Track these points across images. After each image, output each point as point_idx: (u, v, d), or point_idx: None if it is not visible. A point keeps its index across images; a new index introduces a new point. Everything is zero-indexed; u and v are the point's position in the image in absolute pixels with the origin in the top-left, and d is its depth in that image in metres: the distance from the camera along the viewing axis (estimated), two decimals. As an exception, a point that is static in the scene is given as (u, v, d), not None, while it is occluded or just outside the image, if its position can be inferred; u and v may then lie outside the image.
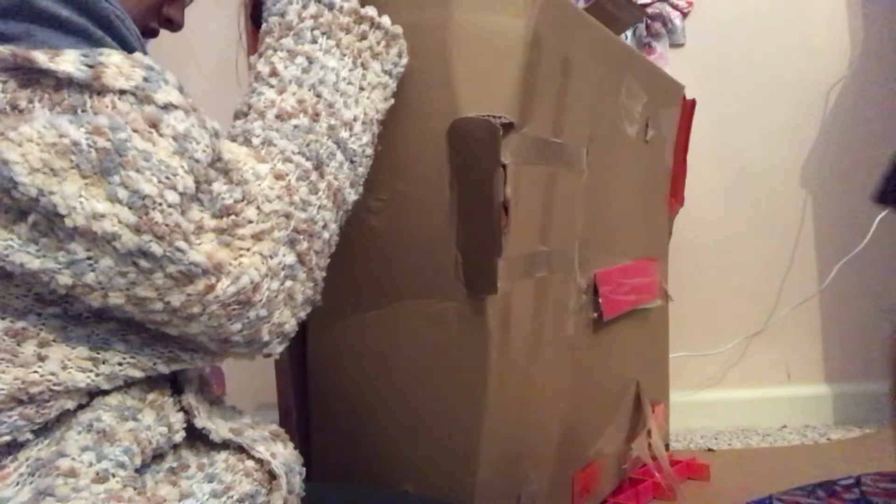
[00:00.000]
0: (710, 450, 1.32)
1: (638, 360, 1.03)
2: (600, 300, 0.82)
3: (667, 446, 1.18)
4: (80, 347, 0.42)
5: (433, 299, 0.65)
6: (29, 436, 0.41)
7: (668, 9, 1.40)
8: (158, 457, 0.46)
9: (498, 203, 0.61)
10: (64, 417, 0.42)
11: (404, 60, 0.60)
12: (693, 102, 1.21)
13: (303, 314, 0.49)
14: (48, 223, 0.38)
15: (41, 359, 0.41)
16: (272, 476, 0.48)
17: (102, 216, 0.37)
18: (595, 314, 0.82)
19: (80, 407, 0.43)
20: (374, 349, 0.70)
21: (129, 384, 0.45)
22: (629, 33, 1.41)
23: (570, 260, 0.76)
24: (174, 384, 0.49)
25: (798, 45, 1.39)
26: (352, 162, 0.53)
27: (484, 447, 0.65)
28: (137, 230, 0.38)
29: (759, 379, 1.45)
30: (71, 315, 0.42)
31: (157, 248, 0.38)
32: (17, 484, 0.40)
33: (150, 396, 0.46)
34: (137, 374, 0.44)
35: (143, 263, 0.39)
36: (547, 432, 0.78)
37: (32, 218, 0.38)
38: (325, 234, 0.49)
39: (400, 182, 0.65)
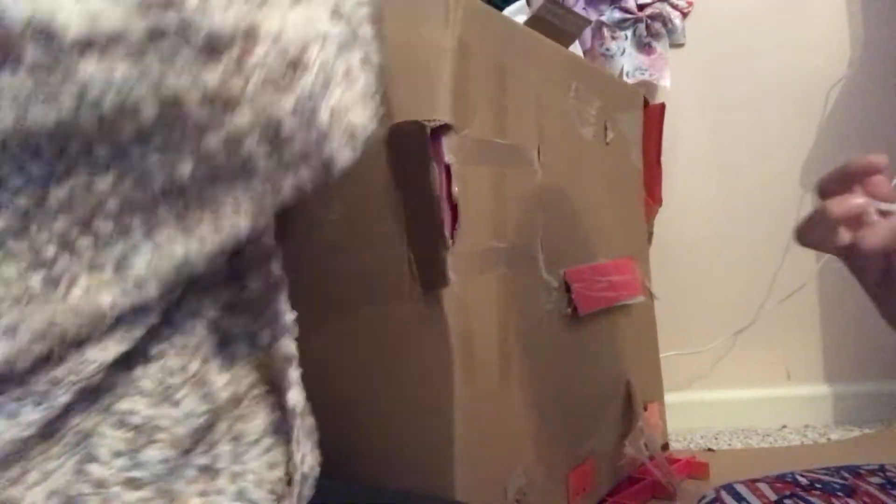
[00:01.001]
0: (709, 450, 1.32)
1: (626, 358, 1.05)
2: (573, 296, 0.84)
3: (665, 445, 1.18)
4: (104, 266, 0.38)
5: (392, 302, 0.68)
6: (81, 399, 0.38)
7: (668, 9, 1.40)
8: (193, 446, 0.42)
9: (436, 197, 0.63)
10: (95, 399, 0.39)
11: None
12: (662, 106, 1.24)
13: (369, 114, 0.40)
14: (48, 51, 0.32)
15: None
16: (289, 483, 0.45)
17: (101, 12, 0.32)
18: (569, 310, 0.84)
19: (109, 388, 0.39)
20: (341, 358, 0.72)
21: (163, 351, 0.40)
22: (629, 33, 1.41)
23: (532, 257, 0.79)
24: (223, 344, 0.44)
25: (798, 45, 1.39)
26: None
27: (458, 439, 0.66)
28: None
29: (758, 379, 1.45)
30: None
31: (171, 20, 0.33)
32: (62, 456, 0.37)
33: (193, 366, 0.41)
34: (171, 266, 0.38)
35: (163, 44, 0.33)
36: (531, 427, 0.78)
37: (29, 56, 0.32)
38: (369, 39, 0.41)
39: (349, 193, 0.69)
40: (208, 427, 0.42)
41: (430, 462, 0.68)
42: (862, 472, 0.53)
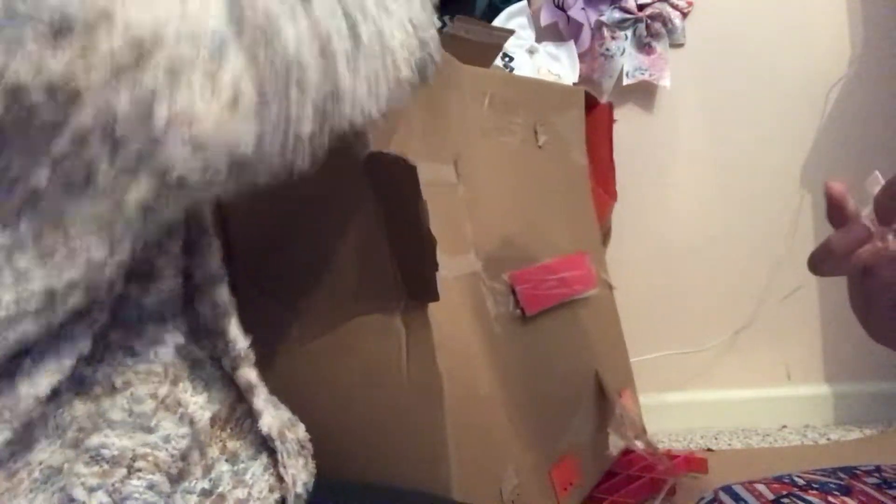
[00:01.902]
0: (708, 449, 1.32)
1: (592, 350, 1.07)
2: (519, 298, 0.86)
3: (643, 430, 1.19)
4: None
5: (383, 315, 0.70)
6: (39, 435, 0.36)
7: (668, 9, 1.40)
8: (186, 469, 0.40)
9: (426, 227, 0.65)
10: (60, 436, 0.37)
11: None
12: (609, 105, 1.28)
13: (235, 128, 0.35)
14: None
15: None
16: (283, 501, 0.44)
17: None
18: (518, 311, 0.86)
19: (73, 425, 0.37)
20: (336, 368, 0.73)
21: (128, 381, 0.39)
22: (629, 33, 1.42)
23: (468, 264, 0.81)
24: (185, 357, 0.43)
25: (798, 45, 1.40)
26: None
27: (452, 445, 0.68)
28: None
29: (758, 379, 1.45)
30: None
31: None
32: (31, 491, 0.35)
33: (162, 391, 0.40)
34: (36, 302, 0.34)
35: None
36: (511, 427, 0.79)
37: None
38: (289, 48, 0.36)
39: (334, 209, 0.71)
40: (197, 449, 0.42)
41: (426, 468, 0.69)
42: (858, 472, 0.54)
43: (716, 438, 1.38)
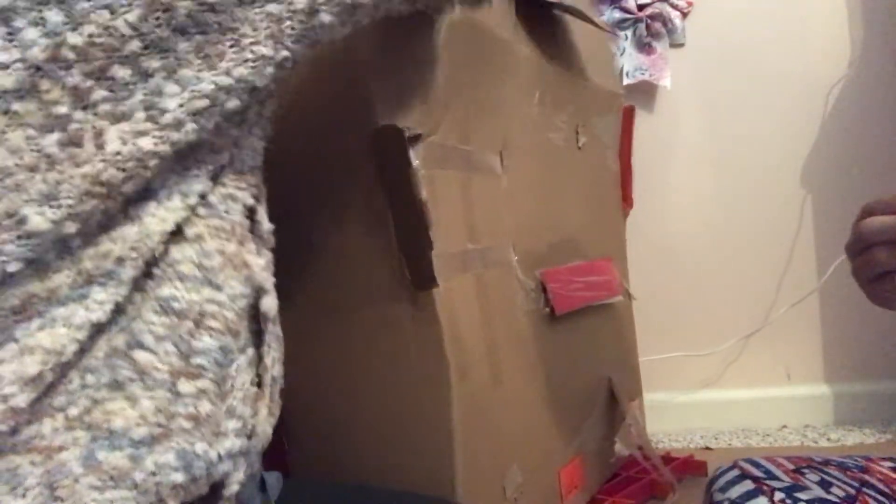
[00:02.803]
0: (707, 448, 1.32)
1: (607, 357, 1.07)
2: (549, 296, 0.86)
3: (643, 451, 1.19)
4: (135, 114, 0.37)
5: (387, 305, 0.69)
6: (101, 315, 0.37)
7: (668, 9, 1.40)
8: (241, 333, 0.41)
9: (419, 199, 0.65)
10: (138, 296, 0.38)
11: None
12: (631, 108, 1.26)
13: None
14: None
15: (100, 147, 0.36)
16: (259, 385, 0.45)
17: None
18: (547, 310, 0.86)
19: (149, 274, 0.38)
20: (339, 362, 0.73)
21: (200, 234, 0.40)
22: (629, 33, 1.42)
23: (505, 257, 0.80)
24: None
25: (798, 45, 1.40)
26: None
27: (458, 439, 0.67)
28: None
29: (758, 379, 1.45)
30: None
31: None
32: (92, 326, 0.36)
33: (230, 248, 0.41)
34: (204, 103, 0.38)
35: None
36: (521, 425, 0.79)
37: None
38: None
39: (338, 195, 0.71)
40: (254, 308, 0.42)
41: (431, 462, 0.68)
42: (873, 457, 0.55)
43: (716, 438, 1.38)
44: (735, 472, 0.54)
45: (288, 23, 0.39)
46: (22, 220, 0.34)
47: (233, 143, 0.42)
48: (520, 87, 0.86)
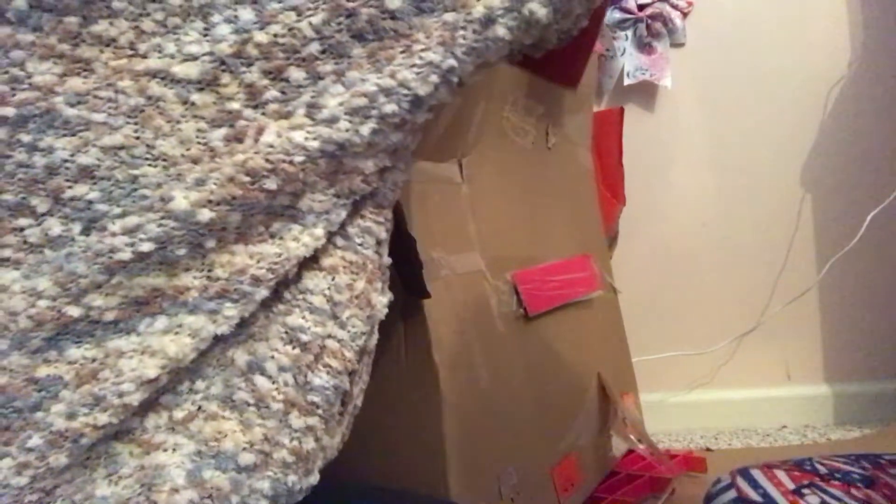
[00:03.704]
0: (708, 449, 1.32)
1: (594, 352, 1.07)
2: (522, 298, 0.86)
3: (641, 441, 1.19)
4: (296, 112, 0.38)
5: None
6: (226, 330, 0.37)
7: (669, 9, 1.41)
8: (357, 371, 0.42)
9: (403, 224, 0.65)
10: (262, 313, 0.38)
11: None
12: (620, 111, 1.28)
13: None
14: None
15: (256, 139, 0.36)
16: (342, 414, 0.45)
17: None
18: (521, 311, 0.86)
19: (278, 296, 0.38)
20: None
21: (335, 265, 0.40)
22: (629, 33, 1.42)
23: (472, 263, 0.81)
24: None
25: (798, 46, 1.40)
26: None
27: (449, 440, 0.68)
28: None
29: (758, 379, 1.45)
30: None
31: None
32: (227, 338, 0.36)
33: (359, 285, 0.41)
34: (362, 102, 0.38)
35: None
36: (511, 425, 0.80)
37: None
38: None
39: None
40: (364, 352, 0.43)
41: (425, 458, 0.69)
42: (883, 461, 0.52)
43: (716, 438, 1.38)
44: (732, 495, 0.52)
45: (461, 32, 0.39)
46: (167, 200, 0.35)
47: (379, 175, 0.42)
48: (494, 99, 0.86)
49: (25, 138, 0.35)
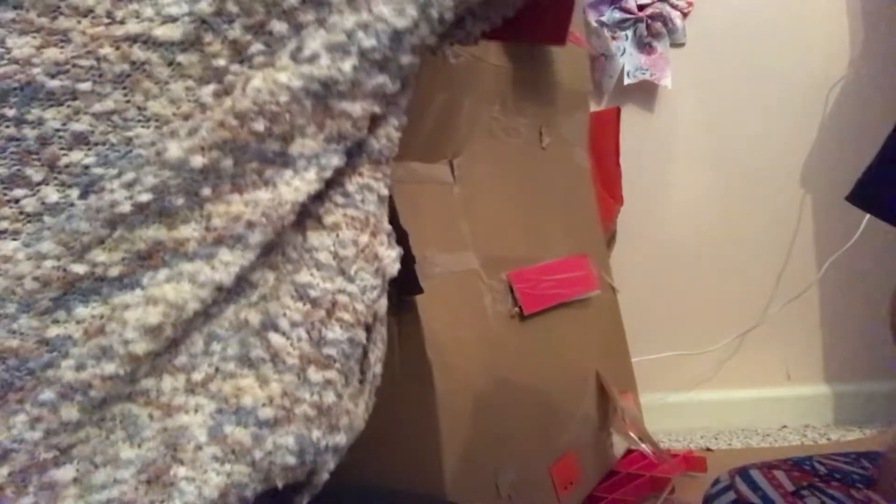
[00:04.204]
0: (708, 449, 1.32)
1: (592, 351, 1.07)
2: (517, 297, 0.86)
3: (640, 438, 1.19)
4: None
5: None
6: (224, 277, 0.37)
7: (669, 9, 1.41)
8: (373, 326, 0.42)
9: (395, 219, 0.65)
10: (272, 275, 0.39)
11: None
12: (616, 110, 1.28)
13: None
14: None
15: None
16: (361, 382, 0.46)
17: None
18: (516, 310, 0.87)
19: (287, 257, 0.39)
20: None
21: (337, 222, 0.40)
22: (630, 33, 1.42)
23: (465, 262, 0.81)
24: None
25: (798, 46, 1.40)
26: None
27: (445, 438, 0.68)
28: None
29: (758, 379, 1.45)
30: None
31: None
32: (237, 294, 0.37)
33: (363, 239, 0.41)
34: (341, 38, 0.39)
35: None
36: (508, 423, 0.80)
37: None
38: None
39: None
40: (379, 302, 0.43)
41: (419, 454, 0.69)
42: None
43: (716, 438, 1.38)
44: (731, 497, 0.52)
45: None
46: (161, 152, 0.36)
47: (370, 123, 0.42)
48: (480, 98, 0.86)
49: (10, 112, 0.35)
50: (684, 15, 1.42)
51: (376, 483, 0.70)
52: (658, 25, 1.41)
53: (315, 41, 0.38)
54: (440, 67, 0.76)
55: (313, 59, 0.38)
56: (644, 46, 1.42)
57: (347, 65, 0.39)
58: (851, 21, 1.38)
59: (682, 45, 1.43)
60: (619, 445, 1.04)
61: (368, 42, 0.39)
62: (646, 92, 1.44)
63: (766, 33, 1.40)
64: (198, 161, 0.36)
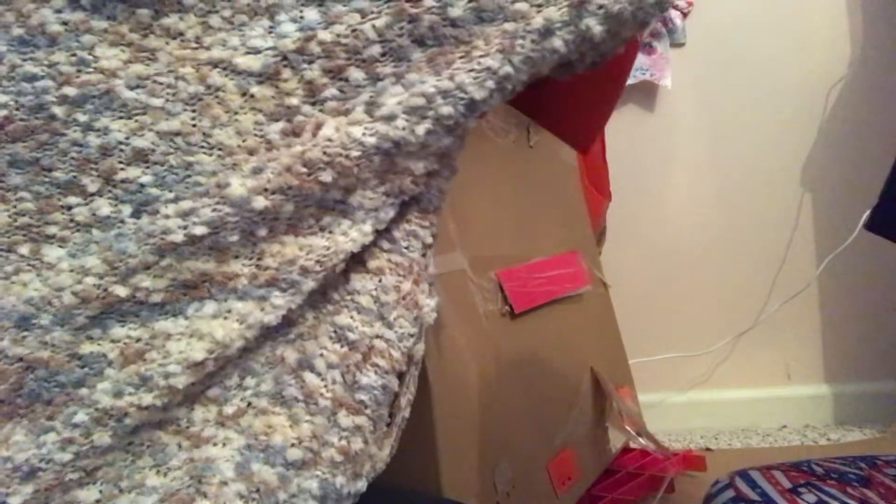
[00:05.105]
0: (707, 449, 1.32)
1: (586, 347, 1.07)
2: (507, 296, 0.87)
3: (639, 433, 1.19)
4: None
5: None
6: (273, 320, 0.37)
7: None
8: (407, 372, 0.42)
9: None
10: (311, 314, 0.39)
11: None
12: None
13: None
14: None
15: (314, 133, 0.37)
16: (389, 425, 0.46)
17: None
18: (507, 308, 0.87)
19: (328, 298, 0.39)
20: None
21: (381, 267, 0.40)
22: (630, 33, 1.42)
23: (454, 262, 0.81)
24: None
25: (798, 45, 1.40)
26: None
27: (439, 433, 0.68)
28: None
29: (759, 379, 1.45)
30: None
31: None
32: (275, 332, 0.37)
33: (405, 287, 0.41)
34: (420, 101, 0.39)
35: None
36: (503, 421, 0.80)
37: None
38: None
39: None
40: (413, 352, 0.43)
41: (415, 453, 0.69)
42: (879, 462, 0.53)
43: (716, 438, 1.38)
44: (731, 494, 0.53)
45: (520, 41, 0.40)
46: (223, 186, 0.36)
47: (427, 178, 0.42)
48: None
49: (82, 118, 0.35)
50: (684, 15, 1.42)
51: (373, 481, 0.70)
52: (658, 25, 1.41)
53: (392, 99, 0.38)
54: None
55: (390, 119, 0.38)
56: (644, 46, 1.42)
57: (422, 128, 0.39)
58: (851, 21, 1.38)
59: (682, 45, 1.43)
60: (616, 441, 1.03)
61: (446, 110, 0.39)
62: (646, 92, 1.44)
63: (766, 33, 1.41)
64: (260, 203, 0.36)
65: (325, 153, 0.37)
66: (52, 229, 0.35)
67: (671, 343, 1.45)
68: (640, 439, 1.04)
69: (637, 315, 1.32)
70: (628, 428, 1.03)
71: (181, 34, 0.37)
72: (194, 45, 0.37)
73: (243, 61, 0.37)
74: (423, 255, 0.44)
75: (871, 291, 1.40)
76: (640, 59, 1.42)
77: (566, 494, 0.88)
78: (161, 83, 0.36)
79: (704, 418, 1.45)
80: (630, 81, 1.42)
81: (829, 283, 1.40)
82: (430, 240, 0.44)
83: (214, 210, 0.35)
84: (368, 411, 0.39)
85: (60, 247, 0.35)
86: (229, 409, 0.37)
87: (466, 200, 0.85)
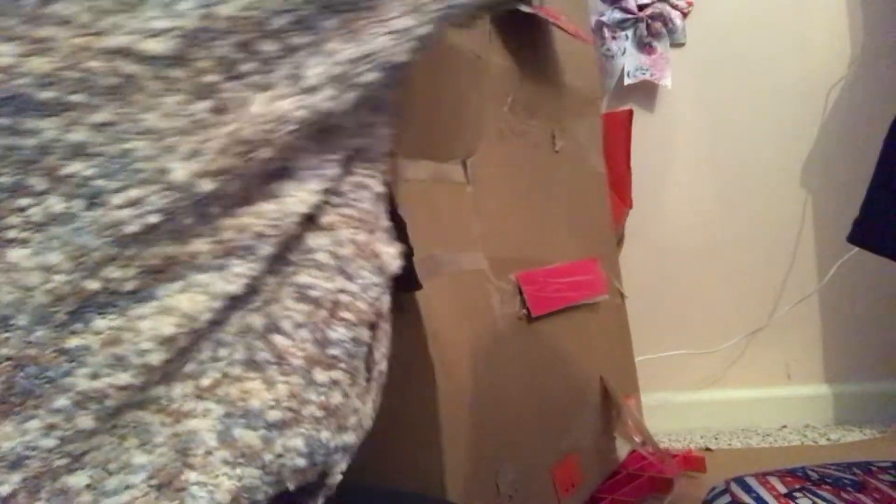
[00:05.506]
0: (707, 449, 1.32)
1: (597, 355, 1.07)
2: (526, 299, 0.87)
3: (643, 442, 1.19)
4: None
5: None
6: (236, 289, 0.37)
7: (668, 9, 1.41)
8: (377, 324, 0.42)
9: (394, 208, 0.65)
10: (274, 279, 0.39)
11: None
12: (629, 113, 1.29)
13: None
14: None
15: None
16: (368, 380, 0.46)
17: None
18: (524, 311, 0.87)
19: (286, 260, 0.39)
20: None
21: (333, 222, 0.41)
22: (629, 33, 1.42)
23: (475, 262, 0.81)
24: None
25: (798, 46, 1.40)
26: None
27: (445, 437, 0.68)
28: None
29: (759, 379, 1.45)
30: None
31: None
32: (241, 301, 0.37)
33: (360, 237, 0.42)
34: (341, 69, 0.39)
35: None
36: (510, 423, 0.80)
37: None
38: None
39: None
40: (381, 300, 0.43)
41: (419, 451, 0.69)
42: (874, 468, 0.53)
43: (716, 438, 1.38)
44: (726, 500, 0.53)
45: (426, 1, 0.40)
46: (165, 171, 0.36)
47: (365, 129, 0.43)
48: (488, 98, 0.87)
49: (5, 122, 0.35)
50: (684, 15, 1.42)
51: (376, 483, 0.70)
52: (658, 25, 1.41)
53: (313, 70, 0.38)
54: (443, 65, 0.76)
55: (316, 90, 0.38)
56: (644, 46, 1.42)
57: (351, 95, 0.39)
58: (851, 21, 1.38)
59: (682, 45, 1.43)
60: (622, 450, 1.04)
61: (369, 75, 0.39)
62: (646, 92, 1.44)
63: (766, 33, 1.41)
64: (207, 185, 0.36)
65: (259, 130, 0.37)
66: (12, 233, 0.35)
67: (671, 343, 1.45)
68: (646, 449, 1.04)
69: (637, 314, 1.32)
70: (636, 438, 1.03)
71: (69, 20, 0.36)
72: (90, 31, 0.36)
73: (147, 46, 0.36)
74: (375, 205, 0.44)
75: (872, 292, 1.40)
76: (640, 59, 1.42)
77: (570, 500, 0.88)
78: (71, 78, 0.35)
79: (704, 418, 1.45)
80: (630, 81, 1.42)
81: (831, 285, 1.40)
82: (379, 188, 0.44)
83: (163, 197, 0.35)
84: (343, 365, 0.39)
85: (22, 247, 0.35)
86: (205, 382, 0.37)
87: (491, 201, 0.85)
